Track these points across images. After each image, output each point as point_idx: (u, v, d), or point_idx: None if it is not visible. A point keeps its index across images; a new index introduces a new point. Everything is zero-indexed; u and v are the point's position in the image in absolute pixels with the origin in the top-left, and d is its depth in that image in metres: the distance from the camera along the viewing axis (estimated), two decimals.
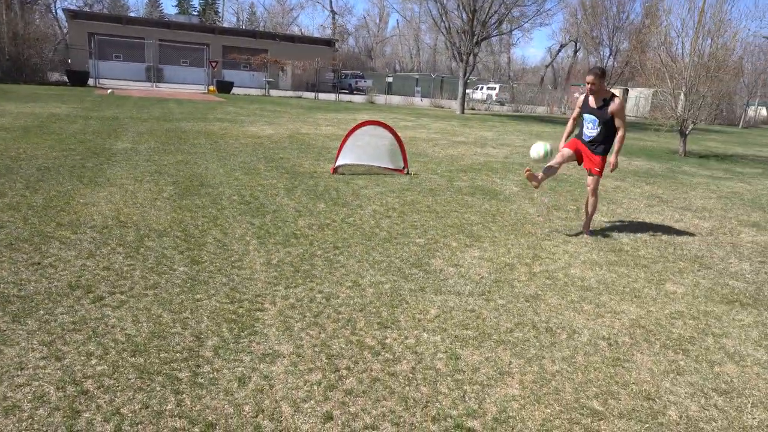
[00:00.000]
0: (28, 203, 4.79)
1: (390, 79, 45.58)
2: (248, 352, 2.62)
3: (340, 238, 4.51)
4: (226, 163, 7.43)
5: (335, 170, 7.27)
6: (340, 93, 32.76)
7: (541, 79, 61.80)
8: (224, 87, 27.88)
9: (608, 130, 4.94)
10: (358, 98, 32.50)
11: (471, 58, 25.48)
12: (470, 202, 6.25)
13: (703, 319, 3.47)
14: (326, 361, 2.61)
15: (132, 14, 55.26)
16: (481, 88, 43.86)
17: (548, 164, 5.03)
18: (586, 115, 5.03)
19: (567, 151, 5.05)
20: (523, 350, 2.88)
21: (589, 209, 5.28)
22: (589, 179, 5.17)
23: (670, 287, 4.01)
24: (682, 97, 14.02)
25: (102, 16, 38.84)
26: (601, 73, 4.83)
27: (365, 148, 7.46)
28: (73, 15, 35.65)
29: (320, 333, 2.87)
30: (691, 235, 5.63)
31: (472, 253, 4.42)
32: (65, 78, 25.00)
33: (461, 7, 24.21)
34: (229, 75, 34.03)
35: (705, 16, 13.99)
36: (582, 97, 5.17)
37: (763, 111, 50.11)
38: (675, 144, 15.11)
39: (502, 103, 38.42)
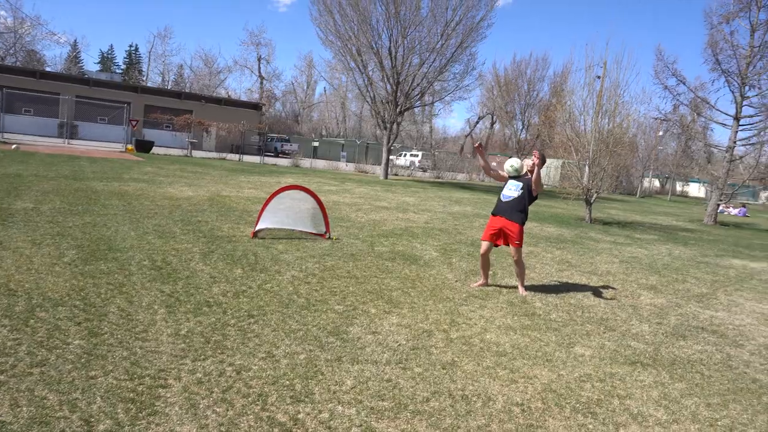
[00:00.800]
0: None
1: (316, 144, 46.24)
2: None
3: (256, 306, 4.36)
4: (138, 225, 7.08)
5: (255, 234, 7.13)
6: (265, 156, 32.74)
7: (461, 148, 65.14)
8: (144, 146, 27.06)
9: (527, 195, 5.52)
10: (283, 161, 32.59)
11: (395, 126, 26.52)
12: (390, 268, 6.30)
13: (608, 381, 3.62)
14: None
15: (48, 69, 53.21)
16: (405, 155, 45.49)
17: (481, 262, 5.75)
18: (511, 180, 5.65)
19: (485, 245, 5.64)
20: (439, 420, 2.84)
21: (519, 274, 5.74)
22: (512, 250, 5.60)
23: (579, 350, 4.17)
24: (586, 168, 15.22)
25: (14, 70, 37.02)
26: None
27: (287, 212, 7.41)
28: None
29: (228, 410, 2.70)
30: (597, 298, 5.95)
31: (390, 319, 4.40)
32: None
33: (386, 79, 25.42)
34: (150, 134, 33.17)
35: (602, 98, 15.53)
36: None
37: (656, 182, 55.41)
38: (582, 211, 16.21)
39: (424, 170, 39.91)
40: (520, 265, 5.68)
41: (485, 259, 5.74)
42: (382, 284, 5.50)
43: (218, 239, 6.77)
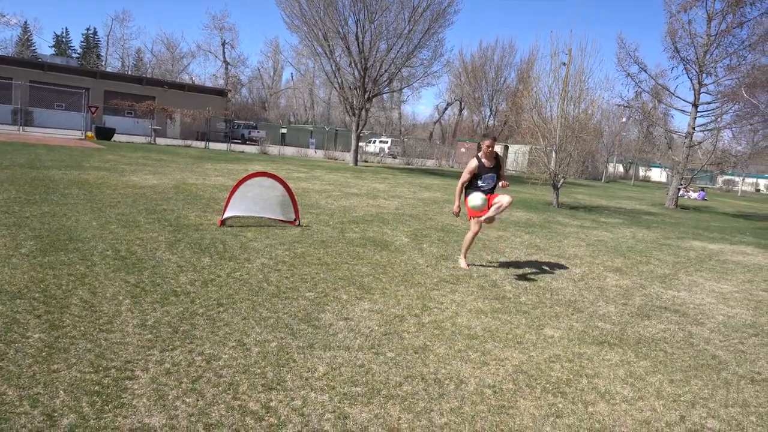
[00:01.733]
0: None
1: (284, 130, 45.65)
2: (113, 429, 2.33)
3: (225, 294, 4.28)
4: (100, 215, 6.86)
5: (223, 222, 7.00)
6: (231, 143, 32.15)
7: (430, 135, 65.34)
8: (104, 133, 26.20)
9: (498, 179, 5.97)
10: (250, 148, 32.09)
11: (363, 112, 26.37)
12: (362, 254, 6.28)
13: (577, 361, 3.69)
14: (203, 431, 2.39)
15: None
16: (374, 142, 45.35)
17: (471, 241, 6.13)
18: (485, 175, 5.89)
19: (477, 224, 5.96)
20: (412, 404, 2.85)
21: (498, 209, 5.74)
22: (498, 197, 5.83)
23: (548, 332, 4.25)
24: (553, 154, 15.47)
25: None
26: (495, 139, 5.89)
27: (255, 200, 7.29)
28: None
29: (198, 400, 2.65)
30: (565, 280, 6.07)
31: (362, 305, 4.39)
32: None
33: (353, 65, 25.18)
34: (111, 121, 32.12)
35: (568, 84, 15.75)
36: (474, 162, 5.91)
37: (620, 167, 56.84)
38: (549, 196, 16.50)
39: (394, 156, 39.91)
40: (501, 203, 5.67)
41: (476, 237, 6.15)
42: (353, 270, 5.47)
43: (185, 228, 6.61)
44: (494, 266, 6.41)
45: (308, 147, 40.23)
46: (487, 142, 5.80)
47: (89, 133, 26.06)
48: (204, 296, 4.18)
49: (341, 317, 4.05)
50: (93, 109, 28.65)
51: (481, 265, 6.29)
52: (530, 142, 17.15)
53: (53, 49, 68.19)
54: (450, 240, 7.75)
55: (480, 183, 5.89)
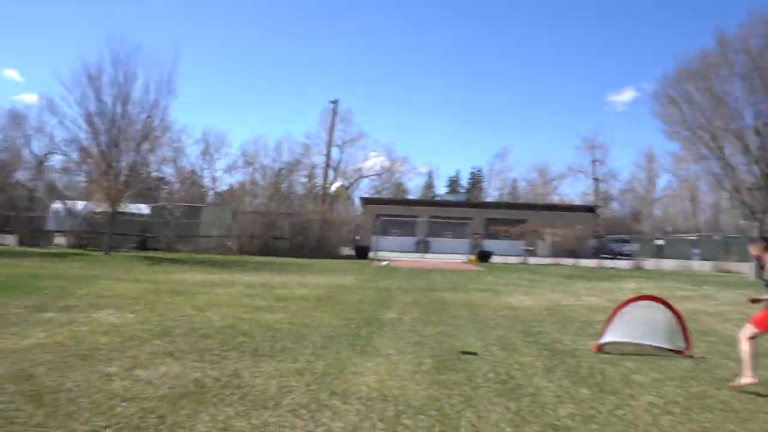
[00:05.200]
0: (311, 369, 5.26)
1: (660, 242, 41.53)
2: None
3: None
4: (483, 336, 7.34)
5: (600, 348, 6.52)
6: (601, 258, 30.96)
7: None
8: (484, 256, 29.14)
9: None
10: (622, 263, 30.17)
11: None
12: None
13: None
14: None
15: (410, 197, 64.64)
16: None
17: None
18: None
19: None
20: None
21: None
22: None
23: None
24: None
25: (388, 201, 46.47)
26: None
27: (635, 324, 6.58)
28: (366, 201, 43.53)
29: None
30: None
31: None
32: (353, 252, 29.63)
33: (751, 163, 21.44)
34: (489, 245, 35.71)
35: None
36: None
37: None
38: None
39: None
40: None
41: None
42: None
43: (560, 353, 6.42)
44: None
45: (690, 259, 35.21)
46: None
47: (471, 257, 29.45)
48: None
49: None
50: (476, 237, 32.57)
51: None
52: None
53: (447, 188, 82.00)
54: None
55: None
